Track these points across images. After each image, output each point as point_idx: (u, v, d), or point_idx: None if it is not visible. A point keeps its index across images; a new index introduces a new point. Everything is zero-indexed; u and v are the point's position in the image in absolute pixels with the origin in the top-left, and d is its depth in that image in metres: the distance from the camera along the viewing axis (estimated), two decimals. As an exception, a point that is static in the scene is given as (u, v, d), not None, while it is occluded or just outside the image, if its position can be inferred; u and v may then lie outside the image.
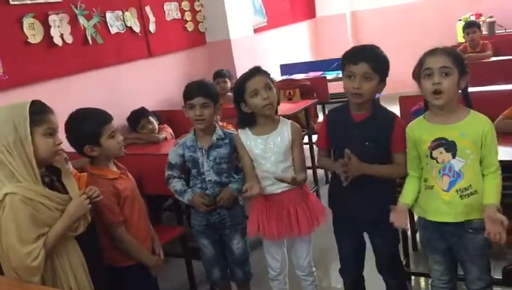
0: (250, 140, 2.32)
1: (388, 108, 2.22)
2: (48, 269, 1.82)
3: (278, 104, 2.33)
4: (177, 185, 2.49)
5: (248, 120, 2.32)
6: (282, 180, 2.20)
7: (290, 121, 2.36)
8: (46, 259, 1.79)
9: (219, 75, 4.77)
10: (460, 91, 1.96)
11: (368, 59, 2.04)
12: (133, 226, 2.24)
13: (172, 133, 4.00)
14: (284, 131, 2.30)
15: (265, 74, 2.29)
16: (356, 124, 2.14)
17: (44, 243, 1.77)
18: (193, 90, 2.42)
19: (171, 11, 4.89)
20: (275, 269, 2.46)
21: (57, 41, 3.67)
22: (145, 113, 3.91)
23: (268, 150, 2.26)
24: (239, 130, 2.38)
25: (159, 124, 4.00)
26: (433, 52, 1.95)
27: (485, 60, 4.62)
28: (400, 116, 3.45)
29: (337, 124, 2.17)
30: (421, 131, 2.01)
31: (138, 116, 3.88)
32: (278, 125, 2.32)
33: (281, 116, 2.37)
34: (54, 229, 1.81)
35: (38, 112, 1.81)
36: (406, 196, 2.10)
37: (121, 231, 2.20)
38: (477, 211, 1.94)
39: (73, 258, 1.88)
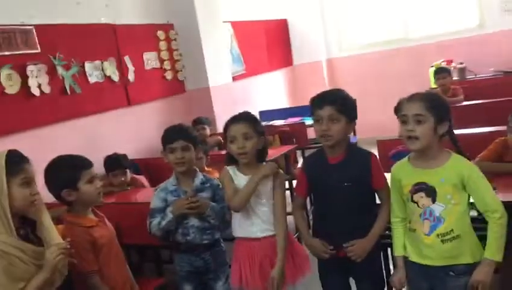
0: (236, 177, 2.28)
1: (366, 152, 2.24)
2: None
3: (266, 151, 2.34)
4: (155, 220, 2.40)
5: (231, 159, 2.31)
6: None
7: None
8: None
9: (198, 122, 4.80)
10: (446, 135, 1.97)
11: (332, 102, 2.11)
12: (109, 276, 2.20)
13: (147, 184, 3.91)
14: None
15: (249, 121, 2.26)
16: (333, 166, 2.16)
17: None
18: (173, 133, 2.44)
19: (150, 60, 4.95)
20: None
21: (35, 91, 3.67)
22: (123, 164, 3.76)
23: None
24: (227, 166, 2.35)
25: (136, 174, 3.96)
26: (410, 98, 1.96)
27: (457, 104, 4.74)
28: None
29: (315, 169, 2.19)
30: (403, 173, 2.02)
31: (114, 165, 3.74)
32: (261, 167, 2.28)
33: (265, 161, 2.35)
34: (33, 283, 1.75)
35: (15, 161, 1.79)
36: (398, 247, 2.08)
37: (95, 280, 2.15)
38: (461, 256, 1.92)
39: None
